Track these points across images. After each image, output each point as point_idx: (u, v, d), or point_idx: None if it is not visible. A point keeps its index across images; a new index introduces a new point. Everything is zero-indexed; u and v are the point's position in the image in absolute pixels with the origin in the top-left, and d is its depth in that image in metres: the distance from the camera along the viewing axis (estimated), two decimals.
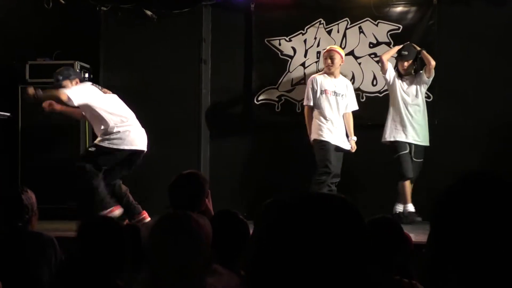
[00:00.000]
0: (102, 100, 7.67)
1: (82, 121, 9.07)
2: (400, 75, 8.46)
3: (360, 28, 9.24)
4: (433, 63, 8.27)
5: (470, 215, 1.64)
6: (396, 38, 9.11)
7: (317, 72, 9.21)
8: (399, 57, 8.49)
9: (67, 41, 9.42)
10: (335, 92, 8.45)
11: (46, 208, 6.75)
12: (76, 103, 7.52)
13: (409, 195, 8.36)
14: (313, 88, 8.44)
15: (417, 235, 6.35)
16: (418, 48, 8.46)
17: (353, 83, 9.12)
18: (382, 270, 3.49)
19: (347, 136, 8.58)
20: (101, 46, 9.55)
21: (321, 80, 8.47)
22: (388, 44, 9.14)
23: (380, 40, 9.18)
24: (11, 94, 9.15)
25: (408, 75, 8.47)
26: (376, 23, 9.21)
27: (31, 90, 7.55)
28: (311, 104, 8.46)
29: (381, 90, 9.13)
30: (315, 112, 8.45)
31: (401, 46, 8.60)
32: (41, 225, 5.11)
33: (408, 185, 8.34)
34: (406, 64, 8.44)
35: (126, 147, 7.67)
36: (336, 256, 1.56)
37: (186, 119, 9.33)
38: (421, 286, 3.46)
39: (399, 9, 9.22)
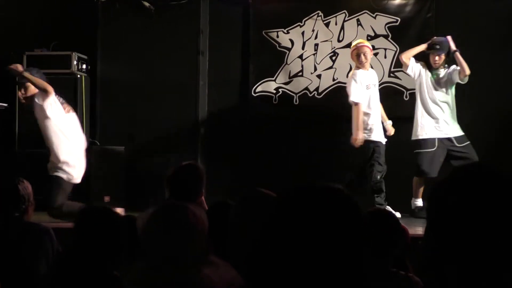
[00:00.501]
0: (62, 118, 7.62)
1: (79, 113, 9.08)
2: (430, 69, 8.32)
3: (358, 20, 9.23)
4: (467, 71, 8.10)
5: (465, 206, 1.64)
6: (394, 31, 9.12)
7: (314, 65, 9.23)
8: (431, 50, 8.31)
9: (64, 32, 9.40)
10: (374, 85, 8.26)
11: (43, 199, 6.77)
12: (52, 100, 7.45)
13: (421, 190, 8.33)
14: (359, 84, 8.10)
15: (415, 228, 6.36)
16: (454, 48, 8.27)
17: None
18: (379, 262, 3.50)
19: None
20: (98, 38, 9.53)
21: (363, 75, 8.20)
22: (386, 37, 9.14)
23: (378, 32, 9.18)
24: (8, 85, 9.12)
25: (439, 69, 8.31)
26: (374, 15, 9.20)
27: (20, 67, 7.52)
28: (359, 100, 8.10)
29: (379, 83, 9.12)
30: (362, 108, 8.16)
31: (425, 44, 8.38)
32: (38, 216, 5.12)
33: (422, 181, 8.29)
34: (437, 58, 8.27)
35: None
36: (333, 246, 1.57)
37: (183, 111, 9.32)
38: (417, 279, 3.47)
39: (397, 1, 9.21)
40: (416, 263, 3.65)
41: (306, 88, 9.27)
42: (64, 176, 7.47)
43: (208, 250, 3.01)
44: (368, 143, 8.12)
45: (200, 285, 2.79)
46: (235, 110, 9.48)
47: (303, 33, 9.33)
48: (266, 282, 1.63)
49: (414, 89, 8.80)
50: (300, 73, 9.31)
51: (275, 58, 9.37)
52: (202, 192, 5.10)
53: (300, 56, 9.33)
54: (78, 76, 9.10)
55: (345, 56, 9.12)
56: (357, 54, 8.22)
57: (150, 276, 2.83)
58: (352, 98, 8.13)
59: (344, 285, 1.59)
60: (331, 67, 9.21)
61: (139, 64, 9.40)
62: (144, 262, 2.92)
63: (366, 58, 8.19)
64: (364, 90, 8.11)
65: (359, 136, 8.06)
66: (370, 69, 8.41)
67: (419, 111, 8.34)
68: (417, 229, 6.53)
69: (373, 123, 8.14)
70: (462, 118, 8.67)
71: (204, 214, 3.03)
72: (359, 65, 8.23)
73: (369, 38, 9.15)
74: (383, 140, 8.23)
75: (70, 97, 9.03)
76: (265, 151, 9.28)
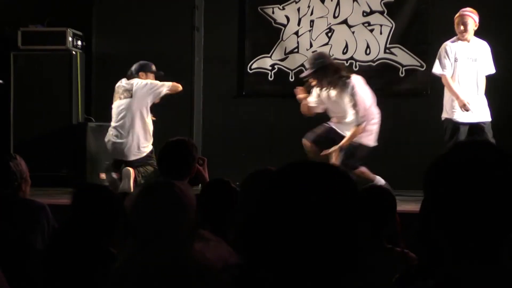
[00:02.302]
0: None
1: (75, 89, 9.07)
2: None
3: None
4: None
5: (461, 180, 1.65)
6: (389, 7, 9.08)
7: (310, 41, 9.22)
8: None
9: (60, 8, 9.36)
10: (469, 58, 7.65)
11: (39, 176, 6.77)
12: None
13: None
14: (448, 56, 7.59)
15: (408, 205, 6.36)
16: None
17: (346, 52, 9.12)
18: (374, 238, 3.51)
19: None
20: (93, 13, 9.50)
21: (452, 46, 7.62)
22: (381, 13, 9.10)
23: (373, 8, 9.15)
24: (3, 61, 9.10)
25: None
26: None
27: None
28: (450, 74, 7.56)
29: (374, 59, 9.11)
30: (448, 80, 7.59)
31: None
32: (35, 192, 5.12)
33: None
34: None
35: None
36: (328, 222, 1.57)
37: None
38: (413, 255, 3.48)
39: None
40: (409, 240, 3.66)
41: (302, 65, 9.24)
42: None
43: (198, 225, 3.02)
44: (447, 121, 7.62)
45: (193, 260, 2.80)
46: (230, 87, 9.47)
47: (298, 9, 9.31)
48: (259, 258, 1.63)
49: (409, 66, 8.82)
50: (296, 50, 9.29)
51: (271, 35, 9.36)
52: (195, 166, 5.08)
53: (296, 33, 9.31)
54: (73, 52, 9.07)
55: (340, 33, 9.11)
56: (457, 23, 7.65)
57: (141, 253, 2.84)
58: (433, 70, 7.76)
59: (340, 262, 1.59)
60: (326, 44, 9.19)
61: (134, 40, 9.38)
62: (134, 239, 2.92)
63: (465, 29, 7.57)
64: (452, 63, 7.57)
65: (460, 104, 7.45)
66: (475, 39, 7.75)
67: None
68: (410, 206, 6.51)
69: (456, 101, 7.54)
70: None
71: (191, 190, 3.04)
72: (458, 34, 7.65)
73: (364, 14, 9.13)
74: (470, 120, 7.54)
75: (65, 74, 9.03)
76: (260, 128, 9.27)
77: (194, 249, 2.84)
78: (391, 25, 9.03)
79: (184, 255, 2.81)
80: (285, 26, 9.33)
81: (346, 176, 1.65)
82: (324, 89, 7.57)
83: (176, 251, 2.82)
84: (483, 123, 7.58)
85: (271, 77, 9.37)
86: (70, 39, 9.02)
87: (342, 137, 7.56)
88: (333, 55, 9.17)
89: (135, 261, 2.85)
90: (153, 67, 8.29)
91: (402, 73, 9.06)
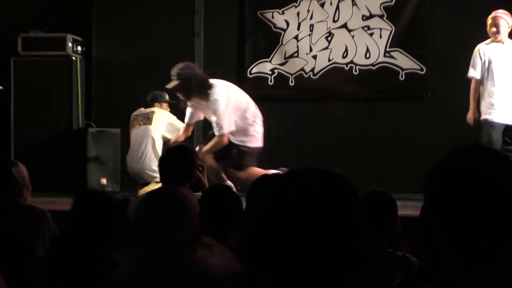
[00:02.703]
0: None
1: (75, 95, 9.07)
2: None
3: (353, 0, 9.20)
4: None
5: (461, 184, 1.66)
6: (389, 11, 9.08)
7: (310, 45, 9.22)
8: None
9: (60, 13, 9.36)
10: (505, 59, 7.47)
11: (39, 182, 6.77)
12: None
13: None
14: (480, 58, 7.51)
15: (408, 209, 6.36)
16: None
17: (345, 56, 9.12)
18: (375, 242, 3.52)
19: None
20: (93, 18, 9.50)
21: (485, 48, 7.52)
22: (381, 16, 9.11)
23: (373, 12, 9.15)
24: (3, 67, 9.10)
25: None
26: None
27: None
28: (478, 76, 7.47)
29: (374, 63, 9.11)
30: (483, 85, 7.50)
31: None
32: (36, 199, 5.11)
33: None
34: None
35: None
36: (330, 229, 1.57)
37: None
38: (414, 259, 3.48)
39: None
40: (410, 244, 3.67)
41: (302, 69, 9.26)
42: None
43: (205, 233, 3.02)
44: (485, 122, 7.46)
45: (195, 267, 2.80)
46: None
47: (298, 13, 9.31)
48: (262, 263, 1.63)
49: (409, 69, 8.84)
50: (296, 54, 9.29)
51: (271, 39, 9.36)
52: (195, 173, 5.09)
53: (296, 37, 9.31)
54: (73, 58, 9.08)
55: (340, 37, 9.11)
56: (490, 24, 7.53)
57: (144, 258, 2.84)
58: (468, 73, 7.59)
59: (343, 267, 1.60)
60: (326, 48, 9.19)
61: (134, 46, 9.38)
62: (137, 246, 2.93)
63: (498, 31, 7.45)
64: (486, 66, 7.46)
65: (469, 115, 7.48)
66: (509, 41, 7.59)
67: None
68: (410, 210, 6.49)
69: (496, 102, 7.39)
70: (455, 96, 8.65)
71: (194, 196, 3.05)
72: (491, 36, 7.54)
73: (364, 18, 9.13)
74: (507, 121, 7.40)
75: (65, 79, 9.04)
76: None
77: (197, 256, 2.85)
78: (390, 29, 9.04)
79: (187, 260, 2.82)
80: (284, 30, 9.33)
81: (346, 182, 1.65)
82: (190, 100, 7.47)
83: (179, 256, 2.82)
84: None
85: (271, 81, 9.37)
86: (70, 44, 9.03)
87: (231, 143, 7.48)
88: (332, 59, 9.18)
89: (137, 266, 2.85)
90: (167, 97, 8.45)
91: (402, 76, 9.06)
